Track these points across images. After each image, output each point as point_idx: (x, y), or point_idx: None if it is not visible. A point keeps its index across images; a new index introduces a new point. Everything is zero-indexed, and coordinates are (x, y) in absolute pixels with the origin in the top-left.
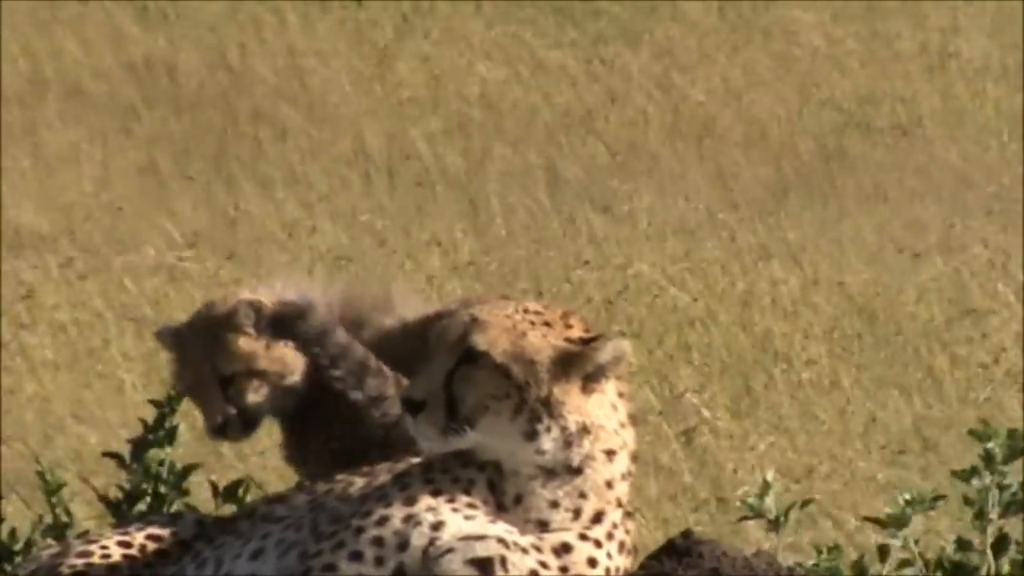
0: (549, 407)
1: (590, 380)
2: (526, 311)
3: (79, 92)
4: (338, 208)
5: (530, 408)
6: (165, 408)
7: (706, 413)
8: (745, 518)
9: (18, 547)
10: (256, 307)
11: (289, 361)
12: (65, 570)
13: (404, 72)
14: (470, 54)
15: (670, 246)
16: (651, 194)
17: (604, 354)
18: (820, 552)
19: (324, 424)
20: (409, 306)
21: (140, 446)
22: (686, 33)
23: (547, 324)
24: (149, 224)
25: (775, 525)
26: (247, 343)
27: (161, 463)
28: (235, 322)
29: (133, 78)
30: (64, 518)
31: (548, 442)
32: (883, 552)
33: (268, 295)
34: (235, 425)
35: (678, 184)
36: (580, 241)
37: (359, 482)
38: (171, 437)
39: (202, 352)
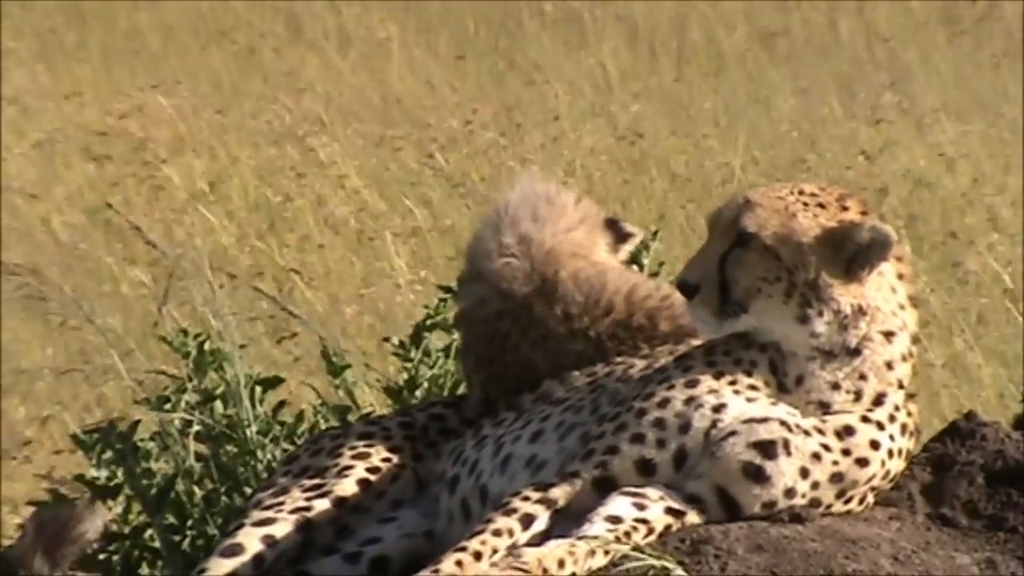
0: (817, 290)
1: (855, 263)
2: (801, 192)
3: None
4: None
5: (800, 292)
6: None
7: None
8: None
9: (303, 428)
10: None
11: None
12: (347, 451)
13: None
14: None
15: None
16: None
17: (862, 234)
18: None
19: None
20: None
21: (420, 331)
22: None
23: (821, 206)
24: None
25: None
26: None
27: (445, 349)
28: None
29: None
30: (347, 401)
31: (821, 325)
32: None
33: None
34: None
35: None
36: None
37: (639, 364)
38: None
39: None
